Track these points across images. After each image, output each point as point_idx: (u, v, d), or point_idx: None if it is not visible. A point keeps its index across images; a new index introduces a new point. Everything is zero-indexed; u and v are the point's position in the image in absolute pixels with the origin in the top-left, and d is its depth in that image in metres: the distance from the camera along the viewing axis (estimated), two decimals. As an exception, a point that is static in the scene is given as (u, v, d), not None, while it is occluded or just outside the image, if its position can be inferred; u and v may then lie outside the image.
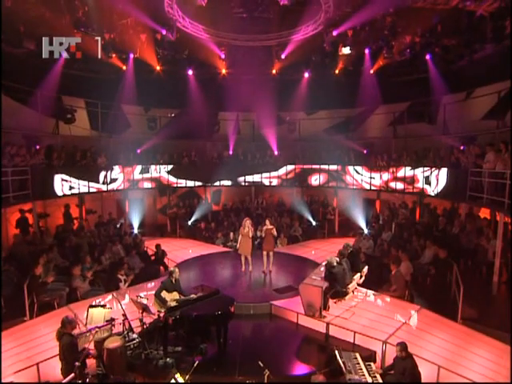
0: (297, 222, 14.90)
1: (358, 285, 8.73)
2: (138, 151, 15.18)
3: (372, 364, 6.10)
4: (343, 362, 5.75)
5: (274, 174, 16.22)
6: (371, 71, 14.41)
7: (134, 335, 6.71)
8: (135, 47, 12.82)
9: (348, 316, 7.81)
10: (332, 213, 15.70)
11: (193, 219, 15.18)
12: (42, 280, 8.34)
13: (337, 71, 14.94)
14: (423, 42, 12.62)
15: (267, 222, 10.75)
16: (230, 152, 17.04)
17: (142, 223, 15.79)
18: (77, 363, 5.01)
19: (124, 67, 14.14)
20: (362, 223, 13.85)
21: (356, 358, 6.01)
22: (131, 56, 13.02)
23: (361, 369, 5.79)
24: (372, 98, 14.92)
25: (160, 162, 15.48)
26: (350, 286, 7.83)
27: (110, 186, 13.88)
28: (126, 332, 6.63)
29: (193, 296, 7.29)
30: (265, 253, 10.68)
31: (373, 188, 14.56)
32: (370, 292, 9.06)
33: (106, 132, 14.72)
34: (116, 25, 11.73)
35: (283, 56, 13.18)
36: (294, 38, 12.28)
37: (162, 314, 6.62)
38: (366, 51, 13.02)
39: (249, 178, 16.48)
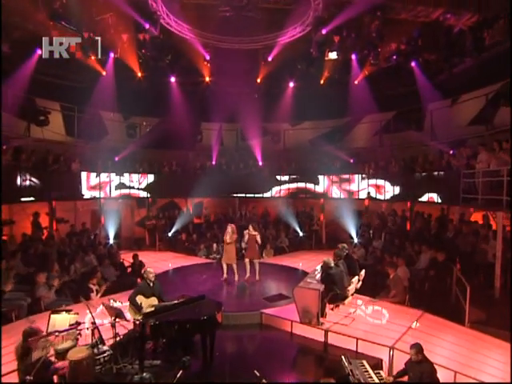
0: (283, 232, 14.13)
1: (356, 290, 7.95)
2: (116, 159, 14.25)
3: (381, 372, 5.28)
4: (351, 370, 4.91)
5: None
6: (356, 82, 14.23)
7: (105, 347, 5.68)
8: (116, 47, 12.14)
9: (348, 322, 6.99)
10: (318, 224, 15.02)
11: (173, 230, 14.16)
12: (-1, 289, 7.19)
13: (322, 81, 14.68)
14: (409, 49, 12.53)
15: (250, 227, 9.99)
16: (213, 162, 16.34)
17: (118, 236, 14.75)
18: (28, 377, 4.00)
19: (104, 72, 13.44)
20: (351, 233, 13.21)
21: (363, 366, 5.17)
22: (111, 56, 12.28)
23: (370, 377, 4.95)
24: (358, 107, 14.65)
25: (139, 171, 14.59)
26: (349, 289, 7.04)
27: (86, 195, 12.88)
28: (95, 342, 5.59)
29: (174, 302, 6.35)
30: (247, 260, 9.85)
31: (361, 197, 14.13)
32: (368, 299, 8.31)
33: (82, 138, 13.76)
34: (96, 21, 11.06)
35: (270, 58, 12.74)
36: (281, 41, 11.92)
37: (138, 323, 5.64)
38: (353, 57, 12.78)
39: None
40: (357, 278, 7.63)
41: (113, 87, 13.72)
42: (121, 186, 14.11)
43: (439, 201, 11.34)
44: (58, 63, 10.84)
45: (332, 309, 7.34)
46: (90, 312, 5.73)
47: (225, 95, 14.98)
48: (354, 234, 13.15)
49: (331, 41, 12.47)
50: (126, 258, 11.19)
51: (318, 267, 7.85)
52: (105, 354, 5.57)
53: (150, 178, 14.72)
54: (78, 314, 5.69)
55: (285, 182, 15.63)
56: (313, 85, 14.88)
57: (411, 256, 10.04)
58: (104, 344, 5.72)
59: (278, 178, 15.62)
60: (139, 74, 13.90)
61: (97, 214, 13.99)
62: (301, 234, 14.44)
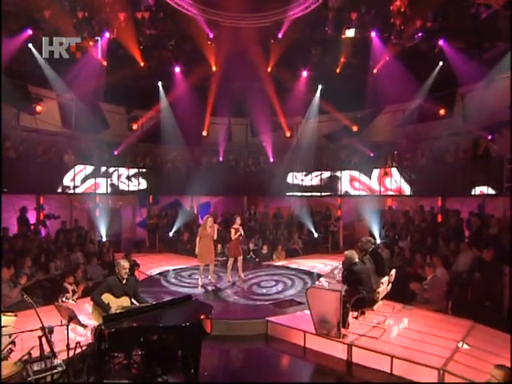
0: (296, 233, 12.51)
1: (385, 295, 6.28)
2: (116, 152, 13.02)
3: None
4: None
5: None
6: (376, 67, 12.72)
7: (57, 361, 4.22)
8: (113, 28, 10.95)
9: (378, 335, 5.34)
10: (335, 224, 13.33)
11: (173, 230, 12.72)
12: None
13: (338, 69, 13.24)
14: (436, 27, 10.99)
15: (238, 220, 8.51)
16: (220, 158, 14.96)
17: (118, 238, 13.47)
18: None
19: (104, 63, 12.34)
20: (373, 233, 11.51)
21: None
22: (106, 37, 11.08)
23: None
24: (379, 96, 13.10)
25: (140, 166, 13.30)
26: (379, 291, 5.40)
27: (79, 189, 11.63)
28: (41, 355, 4.13)
29: (149, 303, 4.86)
30: (232, 259, 8.35)
31: (383, 194, 12.44)
32: (401, 306, 6.63)
33: (79, 130, 12.57)
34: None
35: (280, 35, 11.32)
36: (293, 15, 10.53)
37: (94, 329, 4.16)
38: (373, 34, 11.25)
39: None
40: (387, 278, 5.99)
41: (113, 78, 12.61)
42: (119, 181, 12.84)
43: (477, 192, 9.62)
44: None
45: (356, 317, 5.72)
46: (38, 316, 4.26)
47: (233, 87, 13.72)
48: (376, 235, 11.45)
49: (348, 18, 11.09)
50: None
51: (338, 264, 6.23)
52: (55, 371, 4.12)
53: (152, 174, 13.41)
54: (16, 316, 4.24)
55: (298, 180, 14.10)
56: (328, 73, 13.45)
57: (446, 257, 8.31)
58: (56, 357, 4.25)
59: (291, 175, 14.08)
60: (142, 64, 12.80)
61: (93, 212, 12.71)
62: (316, 235, 12.78)
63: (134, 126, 13.83)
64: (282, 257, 11.46)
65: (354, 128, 14.07)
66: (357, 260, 5.49)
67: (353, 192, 13.18)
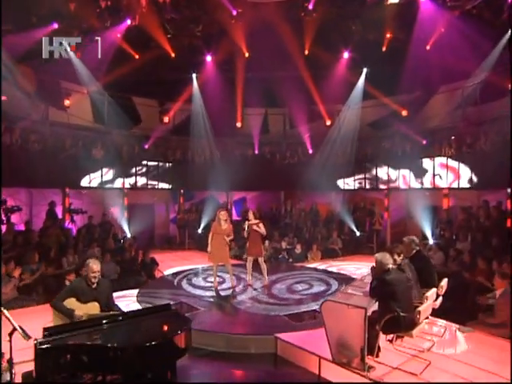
0: (335, 232, 11.03)
1: (433, 312, 4.74)
2: (146, 146, 12.52)
3: None
4: None
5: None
6: (429, 42, 10.81)
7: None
8: (134, 14, 10.32)
9: (419, 369, 3.88)
10: (381, 222, 11.59)
11: (202, 225, 11.87)
12: None
13: (384, 47, 11.53)
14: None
15: (250, 214, 7.25)
16: (256, 151, 13.89)
17: (152, 234, 13.01)
18: None
19: (137, 56, 11.93)
20: (425, 232, 9.72)
21: None
22: (127, 22, 10.47)
23: None
24: (432, 75, 11.17)
25: (170, 160, 12.66)
26: (420, 310, 3.93)
27: (108, 185, 11.25)
28: None
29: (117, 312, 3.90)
30: (250, 258, 7.15)
31: (437, 187, 10.54)
32: (455, 326, 5.04)
33: (111, 125, 12.22)
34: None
35: (311, 6, 9.88)
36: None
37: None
38: (423, -1, 9.43)
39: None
40: (434, 291, 4.47)
41: (145, 70, 12.12)
42: (148, 176, 12.30)
43: None
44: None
45: (390, 341, 4.29)
46: (9, 319, 3.44)
47: (267, 75, 12.58)
48: (428, 234, 9.65)
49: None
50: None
51: (366, 271, 4.84)
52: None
53: (183, 167, 12.71)
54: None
55: (339, 173, 12.57)
56: (372, 53, 11.78)
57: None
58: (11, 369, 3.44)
59: (332, 168, 12.57)
60: (172, 55, 12.17)
61: (124, 207, 12.28)
62: (358, 233, 11.19)
63: (165, 119, 13.22)
64: (317, 257, 10.10)
65: (404, 113, 12.22)
66: (390, 266, 4.08)
67: (402, 185, 11.41)
